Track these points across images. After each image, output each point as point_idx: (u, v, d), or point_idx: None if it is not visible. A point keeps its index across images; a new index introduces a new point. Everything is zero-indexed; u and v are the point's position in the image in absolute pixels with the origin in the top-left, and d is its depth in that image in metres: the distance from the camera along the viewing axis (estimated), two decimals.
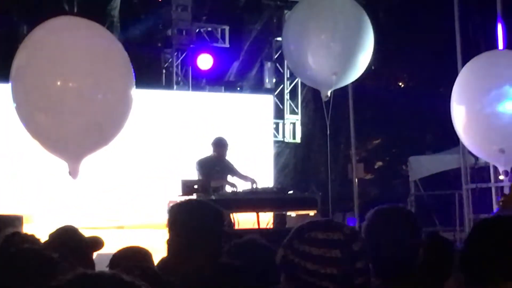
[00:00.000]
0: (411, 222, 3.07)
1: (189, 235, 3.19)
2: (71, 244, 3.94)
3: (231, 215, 10.48)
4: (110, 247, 4.55)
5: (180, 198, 10.45)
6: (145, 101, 13.40)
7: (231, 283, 3.13)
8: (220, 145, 10.99)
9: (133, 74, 6.98)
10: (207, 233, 3.20)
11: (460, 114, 8.56)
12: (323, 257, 2.23)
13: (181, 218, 3.28)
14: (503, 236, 2.35)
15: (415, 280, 2.95)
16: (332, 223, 2.36)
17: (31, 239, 3.76)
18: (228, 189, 10.74)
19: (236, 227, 10.42)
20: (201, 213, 3.29)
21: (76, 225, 4.57)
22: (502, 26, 10.61)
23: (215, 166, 10.84)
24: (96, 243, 4.39)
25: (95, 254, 4.46)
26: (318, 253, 2.24)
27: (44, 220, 12.07)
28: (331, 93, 9.23)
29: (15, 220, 8.68)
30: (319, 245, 2.25)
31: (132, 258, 3.99)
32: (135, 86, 7.01)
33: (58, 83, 6.53)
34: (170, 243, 3.28)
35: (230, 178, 10.99)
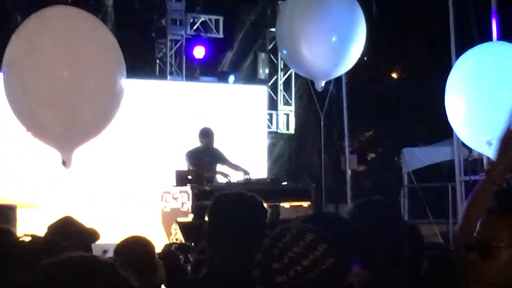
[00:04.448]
0: (391, 213, 3.06)
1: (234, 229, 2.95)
2: (73, 235, 3.91)
3: None
4: (104, 238, 4.56)
5: (174, 188, 10.47)
6: (139, 91, 13.39)
7: None
8: (206, 135, 11.02)
9: (125, 64, 6.97)
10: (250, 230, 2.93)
11: (453, 106, 8.56)
12: None
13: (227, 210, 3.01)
14: None
15: (401, 271, 2.94)
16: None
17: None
18: (222, 179, 10.74)
19: None
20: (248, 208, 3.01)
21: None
22: (496, 18, 10.60)
23: (204, 157, 10.86)
24: (94, 234, 4.39)
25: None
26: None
27: (37, 210, 12.06)
28: (324, 84, 9.23)
29: (9, 210, 8.62)
30: None
31: (135, 248, 4.03)
32: (126, 77, 7.00)
33: (50, 73, 6.51)
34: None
35: (220, 167, 11.00)
